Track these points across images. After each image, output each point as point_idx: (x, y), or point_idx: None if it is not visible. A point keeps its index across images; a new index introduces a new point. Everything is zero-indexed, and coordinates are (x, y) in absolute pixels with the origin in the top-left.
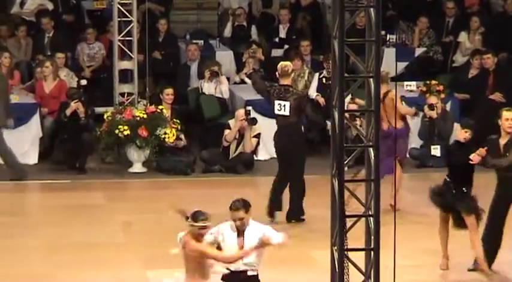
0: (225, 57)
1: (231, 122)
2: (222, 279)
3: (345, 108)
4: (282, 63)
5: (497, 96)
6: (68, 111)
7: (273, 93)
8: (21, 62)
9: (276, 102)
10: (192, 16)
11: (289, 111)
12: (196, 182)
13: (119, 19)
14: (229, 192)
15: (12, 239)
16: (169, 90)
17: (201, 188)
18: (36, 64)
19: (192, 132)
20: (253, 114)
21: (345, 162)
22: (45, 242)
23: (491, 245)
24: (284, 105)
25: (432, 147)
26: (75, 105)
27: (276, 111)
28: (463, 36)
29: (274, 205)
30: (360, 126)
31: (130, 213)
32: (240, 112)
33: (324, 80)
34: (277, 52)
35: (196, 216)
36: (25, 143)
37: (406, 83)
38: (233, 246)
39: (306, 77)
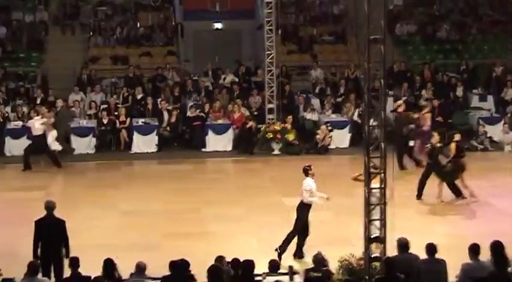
0: (316, 102)
1: (319, 131)
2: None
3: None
4: (396, 102)
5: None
6: (247, 126)
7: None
8: (224, 105)
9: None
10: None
11: None
12: (303, 159)
13: (267, 85)
14: (318, 162)
15: (193, 184)
16: (289, 118)
17: (305, 161)
18: (231, 105)
19: (301, 136)
20: (329, 127)
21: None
22: (227, 188)
23: None
24: None
25: None
26: (250, 123)
27: None
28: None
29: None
30: None
31: (275, 172)
32: (323, 126)
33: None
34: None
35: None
36: (226, 142)
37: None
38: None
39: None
